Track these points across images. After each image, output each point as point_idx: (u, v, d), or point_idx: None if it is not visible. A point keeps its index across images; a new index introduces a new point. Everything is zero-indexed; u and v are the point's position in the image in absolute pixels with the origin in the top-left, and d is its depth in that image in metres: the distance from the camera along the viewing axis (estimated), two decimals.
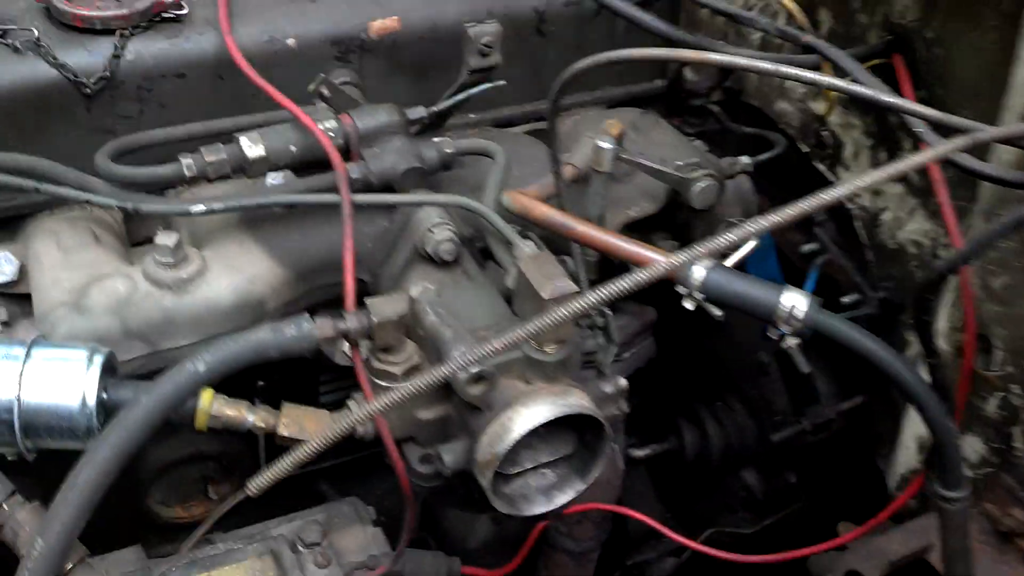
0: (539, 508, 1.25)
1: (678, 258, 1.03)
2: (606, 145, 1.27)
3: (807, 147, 1.81)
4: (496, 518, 1.72)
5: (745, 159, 1.63)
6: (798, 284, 1.81)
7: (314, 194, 1.31)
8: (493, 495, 1.20)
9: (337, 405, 1.70)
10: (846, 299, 1.77)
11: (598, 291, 0.88)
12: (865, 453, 1.90)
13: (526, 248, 1.21)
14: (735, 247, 0.91)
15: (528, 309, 1.16)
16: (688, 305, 1.12)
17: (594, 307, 0.89)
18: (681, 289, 1.13)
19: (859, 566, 1.37)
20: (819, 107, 1.75)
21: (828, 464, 2.01)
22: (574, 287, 1.13)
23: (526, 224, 1.31)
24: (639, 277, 0.87)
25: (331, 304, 1.46)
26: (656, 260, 1.13)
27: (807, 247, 1.84)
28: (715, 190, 1.47)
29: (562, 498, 1.27)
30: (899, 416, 1.74)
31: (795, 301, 1.10)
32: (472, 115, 1.70)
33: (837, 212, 1.82)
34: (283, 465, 0.91)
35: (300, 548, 1.39)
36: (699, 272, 1.11)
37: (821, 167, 1.79)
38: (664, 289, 1.40)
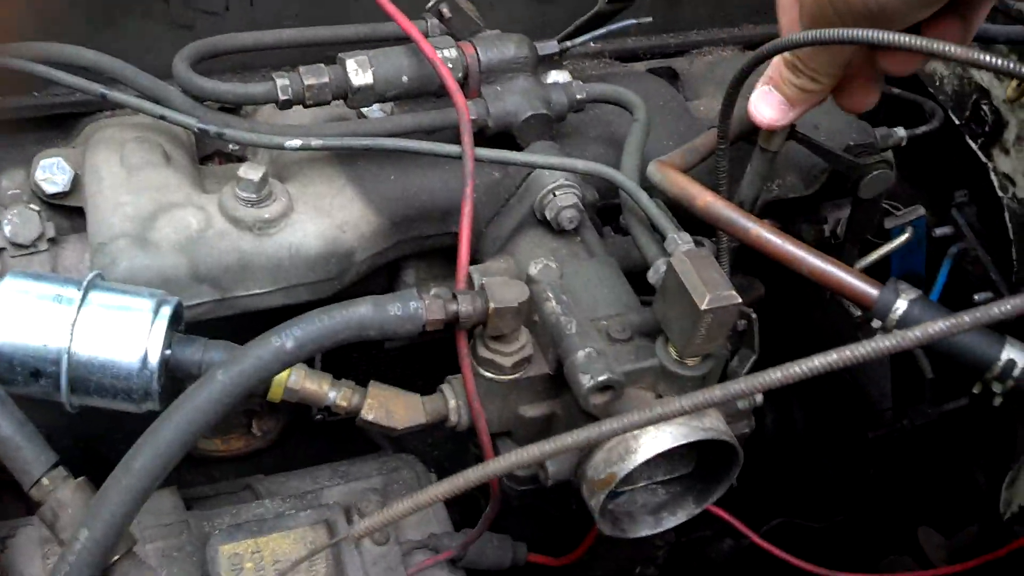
0: (645, 530, 1.11)
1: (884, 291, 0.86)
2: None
3: (959, 120, 1.60)
4: None
5: (900, 131, 1.42)
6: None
7: (430, 143, 1.12)
8: (600, 516, 1.05)
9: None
10: (978, 296, 1.58)
11: (801, 365, 0.71)
12: (959, 459, 1.75)
13: (681, 242, 1.02)
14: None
15: (674, 312, 0.98)
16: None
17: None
18: (876, 323, 0.95)
19: None
20: (985, 80, 1.53)
21: (913, 463, 1.86)
22: (736, 298, 0.95)
23: (665, 197, 1.12)
24: (863, 350, 0.69)
25: (416, 257, 1.30)
26: (863, 291, 0.95)
27: (940, 230, 1.64)
28: (887, 180, 1.27)
29: (672, 521, 1.12)
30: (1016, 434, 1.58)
31: (1016, 356, 0.92)
32: (592, 44, 1.48)
33: (982, 196, 1.62)
34: (399, 510, 0.74)
35: (356, 519, 1.26)
36: (901, 305, 0.93)
37: (973, 146, 1.58)
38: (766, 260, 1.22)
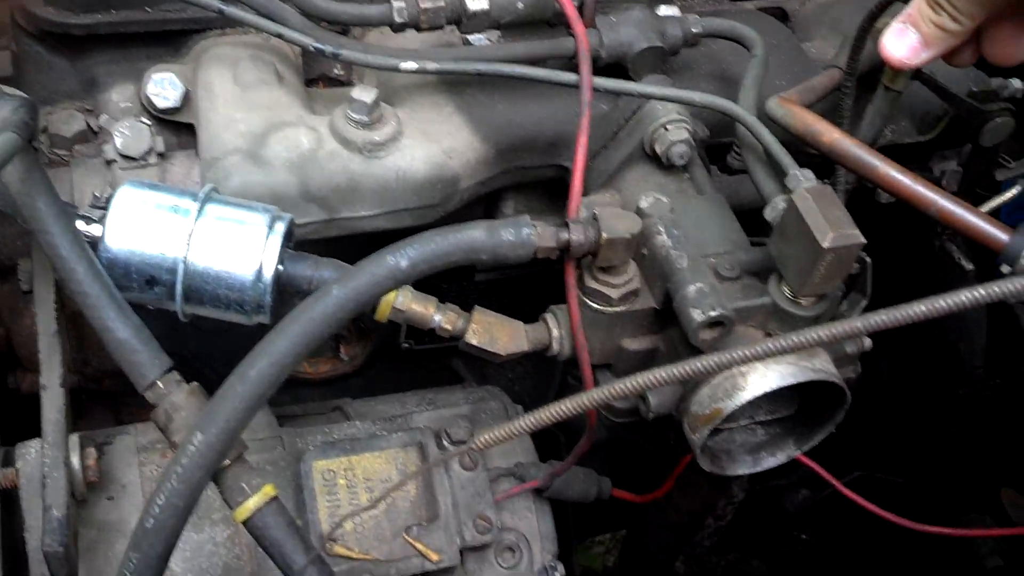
0: (743, 468, 1.10)
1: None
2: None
3: None
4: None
5: (1017, 83, 1.37)
6: None
7: (547, 71, 1.10)
8: (700, 451, 1.04)
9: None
10: None
11: (934, 302, 0.69)
12: None
13: (804, 179, 1.00)
14: None
15: (792, 250, 0.97)
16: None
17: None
18: (1005, 268, 0.93)
19: None
20: None
21: (999, 423, 1.83)
22: (859, 238, 0.93)
23: (784, 133, 1.10)
24: (1001, 289, 0.67)
25: (515, 189, 1.29)
26: (992, 234, 0.93)
27: None
28: (1009, 127, 1.23)
29: (770, 461, 1.12)
30: None
31: None
32: None
33: None
34: (521, 425, 0.75)
35: (446, 444, 1.27)
36: None
37: None
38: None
